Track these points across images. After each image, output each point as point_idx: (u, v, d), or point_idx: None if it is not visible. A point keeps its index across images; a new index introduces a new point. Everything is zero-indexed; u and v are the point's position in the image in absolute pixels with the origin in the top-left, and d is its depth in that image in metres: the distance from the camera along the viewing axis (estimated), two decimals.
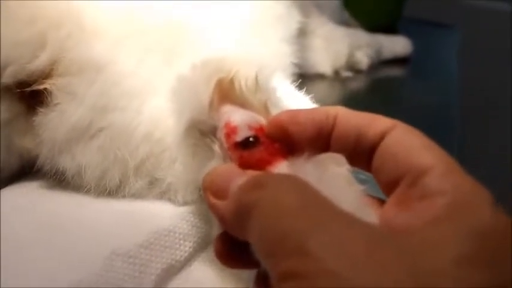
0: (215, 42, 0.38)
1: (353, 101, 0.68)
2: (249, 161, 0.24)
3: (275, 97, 0.28)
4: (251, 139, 0.24)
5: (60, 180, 0.32)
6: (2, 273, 0.24)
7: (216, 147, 0.26)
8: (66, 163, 0.31)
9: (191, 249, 0.30)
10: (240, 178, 0.22)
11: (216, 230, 0.24)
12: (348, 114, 0.24)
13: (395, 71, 0.84)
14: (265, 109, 0.27)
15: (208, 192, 0.23)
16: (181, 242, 0.29)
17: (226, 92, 0.26)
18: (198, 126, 0.27)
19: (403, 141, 0.22)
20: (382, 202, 0.23)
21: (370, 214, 0.21)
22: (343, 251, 0.17)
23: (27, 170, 0.34)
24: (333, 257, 0.16)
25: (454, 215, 0.19)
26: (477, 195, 0.19)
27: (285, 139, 0.24)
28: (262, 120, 0.26)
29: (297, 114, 0.25)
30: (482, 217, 0.19)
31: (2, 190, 0.33)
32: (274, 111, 0.27)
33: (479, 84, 1.24)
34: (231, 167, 0.24)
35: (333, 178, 0.22)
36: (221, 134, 0.25)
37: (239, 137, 0.25)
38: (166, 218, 0.30)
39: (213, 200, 0.22)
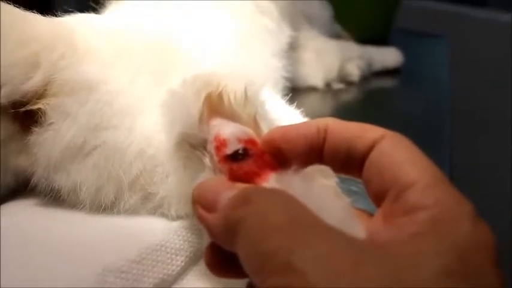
0: (205, 60, 0.38)
1: (345, 113, 0.68)
2: (239, 173, 0.24)
3: (264, 110, 0.28)
4: (240, 151, 0.25)
5: (55, 198, 0.32)
6: None
7: (207, 160, 0.26)
8: (62, 181, 0.31)
9: (183, 264, 0.30)
10: (228, 191, 0.22)
11: (206, 240, 0.24)
12: (338, 126, 0.25)
13: (387, 82, 0.84)
14: (254, 122, 0.27)
15: (198, 205, 0.23)
16: (173, 256, 0.30)
17: (215, 105, 0.27)
18: (188, 140, 0.28)
19: (389, 154, 0.22)
20: (370, 215, 0.24)
21: (357, 227, 0.21)
22: (328, 266, 0.17)
23: (22, 188, 0.34)
24: (318, 272, 0.17)
25: (435, 229, 0.19)
26: (458, 209, 0.20)
27: (278, 156, 0.25)
28: (252, 133, 0.26)
29: (288, 132, 0.25)
30: (462, 231, 0.19)
31: None
32: (263, 124, 0.27)
33: (472, 94, 1.25)
34: (220, 180, 0.24)
35: (320, 191, 0.23)
36: (211, 147, 0.26)
37: (229, 149, 0.25)
38: (159, 233, 0.30)
39: (202, 213, 0.22)
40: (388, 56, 0.85)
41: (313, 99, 0.70)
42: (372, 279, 0.17)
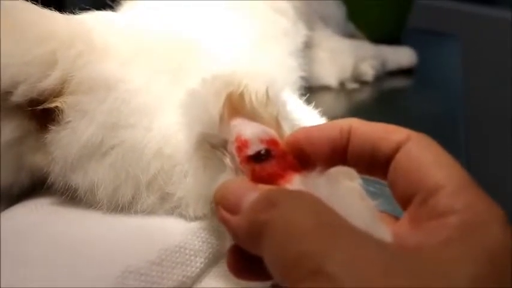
0: (223, 59, 0.38)
1: (359, 113, 0.67)
2: (261, 174, 0.24)
3: (285, 110, 0.28)
4: (263, 152, 0.24)
5: (72, 197, 0.32)
6: None
7: (227, 161, 0.26)
8: (79, 180, 0.31)
9: (202, 265, 0.29)
10: (252, 193, 0.22)
11: (228, 242, 0.24)
12: (362, 127, 0.24)
13: (401, 82, 0.84)
14: (276, 122, 0.27)
15: (220, 207, 0.23)
16: (193, 258, 0.29)
17: (236, 105, 0.27)
18: (208, 140, 0.27)
19: (416, 156, 0.22)
20: (394, 217, 0.23)
21: (384, 230, 0.21)
22: (361, 271, 0.17)
23: (38, 187, 0.34)
24: (350, 278, 0.17)
25: (466, 235, 0.19)
26: (489, 214, 0.19)
27: (300, 157, 0.25)
28: (274, 134, 0.26)
29: (311, 133, 0.25)
30: (493, 236, 0.19)
31: (13, 207, 0.33)
32: (284, 124, 0.27)
33: (482, 91, 1.24)
34: (243, 181, 0.24)
35: (345, 193, 0.22)
36: (232, 148, 0.25)
37: (251, 150, 0.25)
38: (178, 234, 0.30)
39: (225, 215, 0.22)
40: (402, 56, 0.84)
41: (327, 99, 0.70)
42: (404, 286, 0.17)
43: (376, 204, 0.23)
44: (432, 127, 0.63)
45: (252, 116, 0.27)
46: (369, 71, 0.76)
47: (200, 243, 0.30)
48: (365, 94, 0.76)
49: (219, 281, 0.29)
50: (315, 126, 0.25)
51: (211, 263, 0.30)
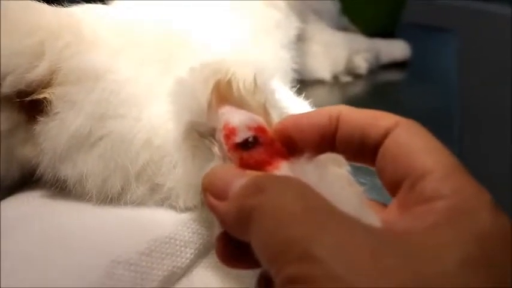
0: (214, 50, 0.38)
1: (353, 106, 0.68)
2: (249, 162, 0.24)
3: (273, 98, 0.28)
4: (250, 140, 0.24)
5: (61, 189, 0.32)
6: (3, 284, 0.24)
7: (216, 149, 0.26)
8: (67, 171, 0.31)
9: (192, 256, 0.29)
10: (239, 179, 0.21)
11: (217, 230, 0.23)
12: (351, 114, 0.24)
13: (395, 75, 0.84)
14: (264, 110, 0.27)
15: (208, 193, 0.22)
16: (183, 248, 0.29)
17: (224, 93, 0.26)
18: (196, 128, 0.27)
19: (404, 142, 0.22)
20: (383, 205, 0.23)
21: (372, 216, 0.21)
22: (349, 255, 0.17)
23: (27, 179, 0.34)
24: (338, 261, 0.16)
25: (454, 219, 0.19)
26: (477, 199, 0.19)
27: (289, 145, 0.24)
28: (261, 121, 0.26)
29: (299, 121, 0.25)
30: (482, 221, 0.19)
31: (5, 201, 0.32)
32: (272, 112, 0.27)
33: (479, 88, 1.24)
34: (231, 167, 0.24)
35: (333, 179, 0.22)
36: (220, 136, 0.25)
37: (238, 138, 0.24)
38: (168, 225, 0.30)
39: (213, 201, 0.22)
40: (396, 49, 0.84)
41: (320, 92, 0.70)
42: (392, 270, 0.16)
43: (364, 191, 0.23)
44: (425, 121, 0.63)
45: (240, 103, 0.26)
46: (362, 64, 0.76)
47: (190, 234, 0.30)
48: (358, 87, 0.76)
49: (209, 272, 0.29)
50: (304, 113, 0.25)
51: (201, 254, 0.30)
